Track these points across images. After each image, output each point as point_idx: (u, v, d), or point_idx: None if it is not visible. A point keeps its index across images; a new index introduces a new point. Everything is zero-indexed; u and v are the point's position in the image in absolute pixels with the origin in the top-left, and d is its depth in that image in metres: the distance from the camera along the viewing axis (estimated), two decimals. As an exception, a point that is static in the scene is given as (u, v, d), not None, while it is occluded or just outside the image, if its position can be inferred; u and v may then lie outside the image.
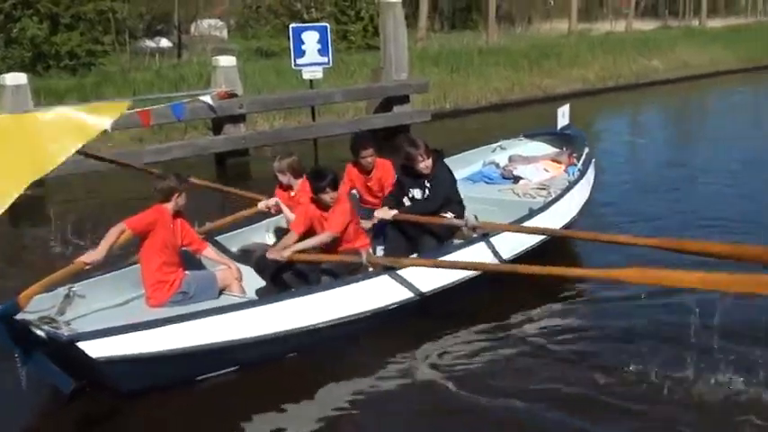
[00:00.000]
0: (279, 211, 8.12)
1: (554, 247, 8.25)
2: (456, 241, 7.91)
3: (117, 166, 10.56)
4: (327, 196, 7.21)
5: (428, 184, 7.90)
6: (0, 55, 25.32)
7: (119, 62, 27.84)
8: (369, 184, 8.56)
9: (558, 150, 10.87)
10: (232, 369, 6.39)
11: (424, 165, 7.83)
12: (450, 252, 7.41)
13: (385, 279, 7.01)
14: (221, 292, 7.13)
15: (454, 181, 8.15)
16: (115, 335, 5.81)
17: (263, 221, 8.57)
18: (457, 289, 7.23)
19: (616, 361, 6.28)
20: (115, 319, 6.30)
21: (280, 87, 18.52)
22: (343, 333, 6.70)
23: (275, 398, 6.04)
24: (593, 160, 10.21)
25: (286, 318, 6.47)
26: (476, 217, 7.88)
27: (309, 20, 26.36)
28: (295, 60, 15.04)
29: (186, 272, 7.01)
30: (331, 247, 7.26)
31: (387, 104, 17.22)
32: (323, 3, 29.41)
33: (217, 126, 14.85)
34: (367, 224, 7.89)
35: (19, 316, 5.74)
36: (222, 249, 7.95)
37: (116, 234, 6.50)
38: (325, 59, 15.22)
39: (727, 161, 14.65)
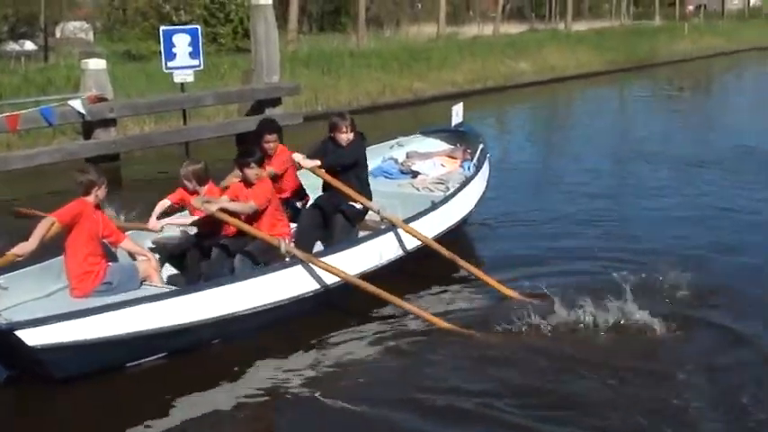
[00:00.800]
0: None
1: (453, 237, 9.16)
2: (368, 232, 8.56)
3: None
4: (252, 172, 7.79)
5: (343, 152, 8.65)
6: None
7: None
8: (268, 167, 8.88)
9: (452, 147, 11.57)
10: (160, 356, 6.78)
11: (346, 137, 8.64)
12: (364, 242, 8.14)
13: (300, 269, 7.49)
14: (141, 282, 7.45)
15: (365, 157, 8.93)
16: (51, 323, 6.14)
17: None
18: (369, 277, 7.80)
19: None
20: (41, 310, 6.57)
21: (150, 91, 18.54)
22: (262, 320, 7.20)
23: (199, 383, 6.47)
24: (489, 156, 11.01)
25: (211, 306, 6.90)
26: (381, 209, 8.53)
27: (178, 22, 26.33)
28: (166, 63, 15.23)
29: (109, 263, 7.35)
30: (251, 222, 7.72)
31: (258, 107, 17.47)
32: (192, 5, 29.40)
33: (87, 131, 14.79)
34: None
35: None
36: None
37: (46, 226, 6.75)
38: (197, 62, 15.46)
39: (589, 160, 15.83)
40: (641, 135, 19.12)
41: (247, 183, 7.90)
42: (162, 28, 15.78)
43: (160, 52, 15.48)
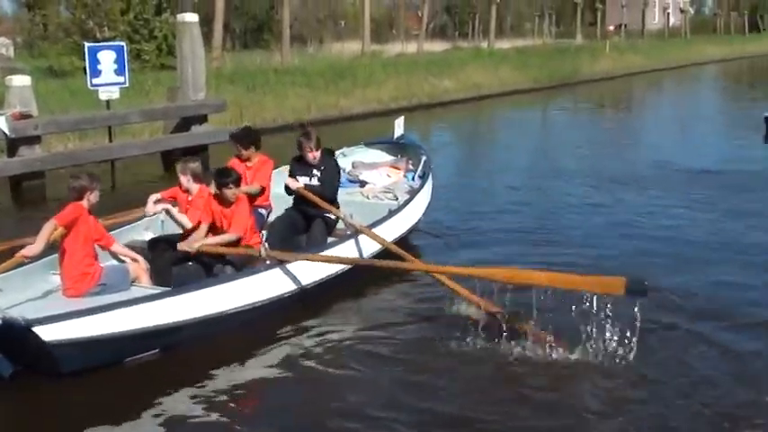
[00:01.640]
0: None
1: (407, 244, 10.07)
2: (335, 239, 9.39)
3: None
4: (230, 192, 8.45)
5: (317, 173, 9.61)
6: None
7: None
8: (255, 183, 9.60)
9: (395, 158, 12.55)
10: (154, 352, 7.39)
11: (312, 155, 9.56)
12: (333, 246, 8.93)
13: (279, 271, 8.32)
14: (131, 283, 8.03)
15: (339, 179, 9.99)
16: (64, 320, 6.76)
17: (142, 221, 9.61)
18: (339, 278, 8.73)
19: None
20: (40, 310, 7.10)
21: (74, 108, 18.57)
22: (247, 318, 7.93)
23: (186, 379, 7.04)
24: (432, 167, 11.87)
25: (206, 304, 7.63)
26: (351, 215, 9.50)
27: (102, 39, 26.31)
28: (91, 80, 15.32)
29: (102, 264, 7.93)
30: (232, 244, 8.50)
31: (184, 124, 17.65)
32: (116, 21, 29.37)
33: (11, 148, 14.79)
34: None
35: None
36: None
37: (50, 229, 7.35)
38: (122, 79, 15.61)
39: (512, 176, 16.43)
40: (562, 151, 19.86)
41: (225, 202, 8.52)
42: (87, 45, 15.89)
43: (84, 69, 15.55)
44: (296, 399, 6.77)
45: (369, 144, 13.14)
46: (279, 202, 9.99)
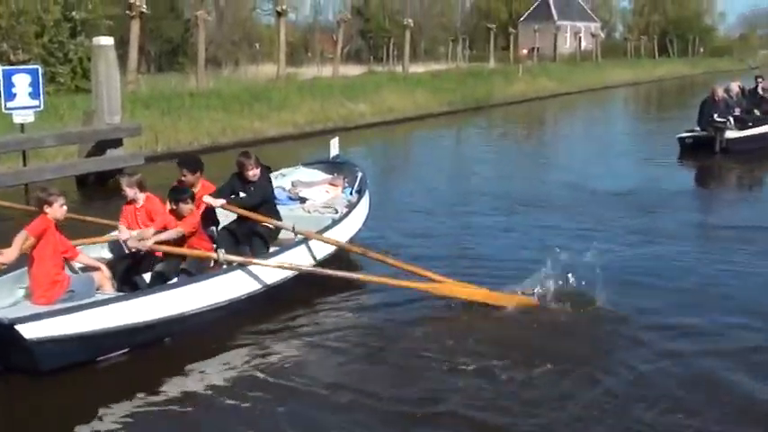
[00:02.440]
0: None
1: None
2: (282, 246, 10.18)
3: None
4: (186, 207, 9.37)
5: (252, 188, 10.31)
6: None
7: None
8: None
9: (331, 176, 13.53)
10: (124, 351, 8.07)
11: (252, 173, 10.25)
12: (282, 252, 9.77)
13: (237, 274, 9.14)
14: (96, 290, 8.59)
15: (272, 190, 10.76)
16: (44, 319, 7.44)
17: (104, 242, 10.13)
18: (292, 281, 9.65)
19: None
20: (14, 314, 7.55)
21: (-15, 131, 18.50)
22: (207, 319, 8.69)
23: (157, 377, 7.71)
24: (368, 182, 12.98)
25: (171, 305, 8.36)
26: (294, 226, 10.26)
27: (16, 61, 26.17)
28: (5, 104, 15.39)
29: (69, 273, 8.56)
30: (181, 245, 9.26)
31: (99, 148, 17.78)
32: (30, 44, 29.21)
33: (-77, 172, 14.80)
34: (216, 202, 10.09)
35: None
36: None
37: (22, 239, 8.02)
38: (37, 103, 15.74)
39: (425, 197, 16.97)
40: (475, 174, 20.50)
41: (178, 215, 9.39)
42: (1, 68, 15.94)
43: (-1, 92, 15.60)
44: (258, 394, 7.40)
45: (306, 164, 14.12)
46: (225, 217, 10.74)
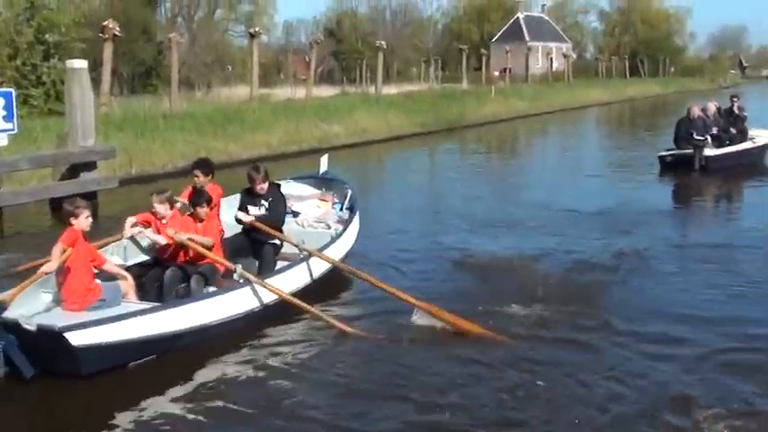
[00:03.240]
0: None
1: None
2: (286, 262, 10.91)
3: None
4: (203, 210, 10.18)
5: (265, 203, 11.10)
6: None
7: None
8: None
9: (320, 191, 14.03)
10: (152, 357, 8.66)
11: (260, 186, 11.05)
12: (288, 270, 10.50)
13: (253, 289, 9.75)
14: (122, 298, 9.14)
15: (286, 208, 11.55)
16: (89, 327, 8.07)
17: (109, 246, 10.54)
18: (303, 293, 10.27)
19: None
20: (51, 321, 8.14)
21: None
22: (228, 329, 9.34)
23: (183, 380, 8.36)
24: (357, 199, 13.54)
25: (197, 316, 9.04)
26: (303, 241, 11.08)
27: (-12, 84, 26.15)
28: (-21, 127, 15.36)
29: (99, 281, 9.06)
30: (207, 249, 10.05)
31: (73, 171, 17.76)
32: (3, 67, 29.16)
33: None
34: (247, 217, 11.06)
35: None
36: None
37: (60, 250, 8.54)
38: (11, 126, 15.67)
39: (398, 218, 17.06)
40: (450, 194, 20.64)
41: (198, 218, 10.19)
42: (-25, 91, 15.92)
43: (-28, 115, 15.55)
44: (270, 399, 7.98)
45: (296, 179, 14.55)
46: (229, 229, 11.36)
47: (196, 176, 11.03)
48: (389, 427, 7.31)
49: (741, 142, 24.70)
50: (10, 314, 8.18)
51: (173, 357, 8.79)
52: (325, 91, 51.07)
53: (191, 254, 10.12)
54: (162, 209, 10.21)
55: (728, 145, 24.20)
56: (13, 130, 15.77)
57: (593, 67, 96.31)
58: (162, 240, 10.16)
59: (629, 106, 68.94)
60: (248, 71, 41.43)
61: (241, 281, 9.79)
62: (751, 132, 25.61)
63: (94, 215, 10.24)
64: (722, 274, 12.32)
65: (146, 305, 9.05)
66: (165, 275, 9.86)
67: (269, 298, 9.87)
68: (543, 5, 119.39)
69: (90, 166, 18.00)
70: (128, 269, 9.99)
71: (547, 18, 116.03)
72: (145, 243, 10.72)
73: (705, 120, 23.92)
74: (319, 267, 10.95)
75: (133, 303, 9.14)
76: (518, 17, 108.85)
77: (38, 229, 15.94)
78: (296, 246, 10.96)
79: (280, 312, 9.96)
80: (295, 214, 13.03)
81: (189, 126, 26.77)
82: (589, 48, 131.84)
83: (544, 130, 46.08)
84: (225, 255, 10.42)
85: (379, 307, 10.48)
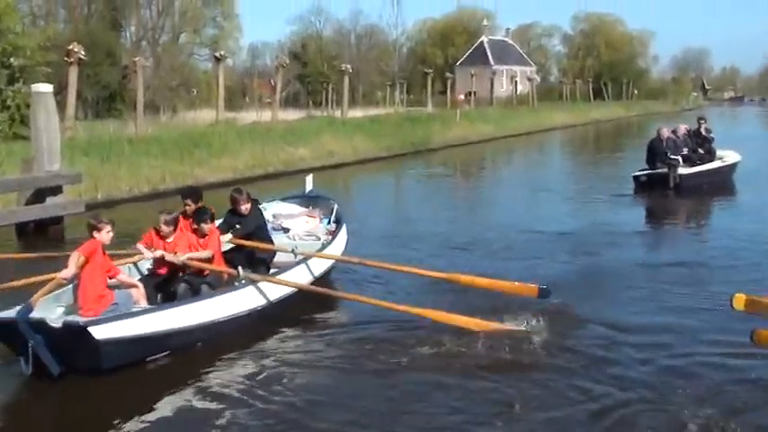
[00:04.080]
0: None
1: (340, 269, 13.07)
2: (280, 268, 11.65)
3: None
4: (206, 226, 10.98)
5: (246, 220, 11.87)
6: None
7: None
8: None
9: (307, 209, 14.93)
10: (165, 354, 9.40)
11: (245, 207, 11.86)
12: (288, 271, 11.33)
13: (256, 289, 10.66)
14: (133, 305, 9.81)
15: (263, 221, 12.41)
16: (110, 322, 8.80)
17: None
18: (294, 297, 11.08)
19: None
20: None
21: None
22: (234, 326, 10.13)
23: (194, 375, 9.00)
24: (342, 212, 14.58)
25: (207, 312, 9.85)
26: (296, 246, 12.41)
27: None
28: (-55, 153, 15.38)
29: (113, 290, 9.76)
30: (208, 262, 10.91)
31: (39, 195, 17.74)
32: (-34, 93, 29.08)
33: None
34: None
35: None
36: None
37: (76, 258, 9.23)
38: (-24, 151, 15.71)
39: (360, 240, 16.96)
40: (415, 218, 20.76)
41: (200, 233, 10.97)
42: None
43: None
44: (276, 390, 8.60)
45: (284, 199, 15.51)
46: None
47: (187, 205, 11.68)
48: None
49: (710, 161, 25.78)
50: (36, 314, 8.70)
51: (185, 355, 9.52)
52: (291, 114, 51.20)
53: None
54: (167, 230, 10.87)
55: (700, 164, 25.22)
56: (-21, 157, 15.77)
57: (558, 90, 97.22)
58: (170, 257, 10.80)
59: (594, 129, 69.70)
60: (213, 95, 41.53)
61: (243, 281, 10.68)
62: (718, 153, 26.73)
63: (60, 239, 10.50)
64: (685, 294, 12.48)
65: (164, 304, 10.09)
66: (177, 288, 10.62)
67: (273, 295, 10.77)
68: (507, 29, 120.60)
69: (56, 190, 17.98)
70: (147, 279, 10.92)
71: (511, 42, 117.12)
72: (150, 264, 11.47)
73: (675, 140, 24.89)
74: (317, 269, 11.97)
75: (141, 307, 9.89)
76: (482, 41, 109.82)
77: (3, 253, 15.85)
78: (291, 252, 12.00)
79: (282, 309, 10.85)
80: (286, 230, 13.84)
81: (154, 150, 26.70)
82: (553, 71, 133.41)
83: (509, 153, 46.46)
84: (226, 263, 11.26)
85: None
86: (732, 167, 27.00)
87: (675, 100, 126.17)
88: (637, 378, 8.92)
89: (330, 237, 13.41)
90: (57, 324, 8.57)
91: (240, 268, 10.82)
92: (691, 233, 19.41)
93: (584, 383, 8.74)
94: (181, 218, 11.66)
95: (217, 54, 37.32)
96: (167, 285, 10.86)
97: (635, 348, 9.86)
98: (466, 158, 41.99)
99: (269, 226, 13.41)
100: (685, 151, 24.93)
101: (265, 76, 76.26)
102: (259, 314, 10.59)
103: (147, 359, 9.28)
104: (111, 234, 9.68)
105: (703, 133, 26.56)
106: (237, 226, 11.84)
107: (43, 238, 17.06)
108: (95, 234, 9.53)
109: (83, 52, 27.12)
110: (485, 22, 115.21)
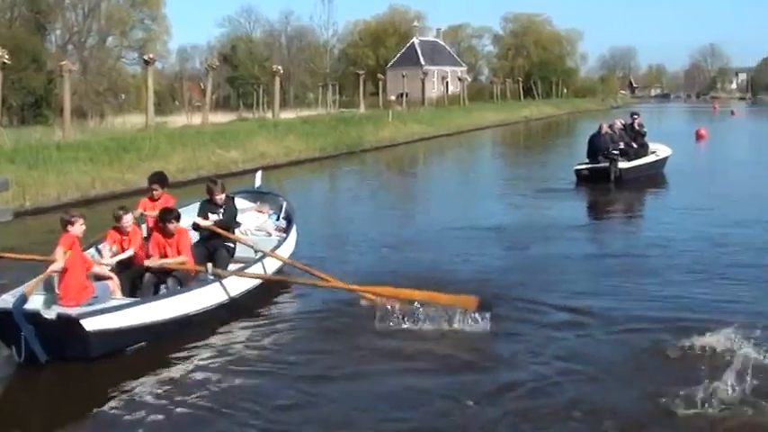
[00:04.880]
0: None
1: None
2: (238, 265, 12.35)
3: None
4: (172, 226, 11.23)
5: (221, 210, 12.63)
6: None
7: None
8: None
9: (256, 204, 15.54)
10: (143, 344, 9.97)
11: (220, 197, 12.62)
12: (252, 266, 12.13)
13: (225, 283, 11.35)
14: (110, 296, 10.39)
15: (236, 212, 13.21)
16: (99, 314, 9.43)
17: (89, 250, 11.48)
18: (257, 290, 11.97)
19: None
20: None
21: None
22: (208, 317, 10.86)
23: (169, 365, 9.61)
24: (293, 209, 15.24)
25: (185, 305, 10.53)
26: (256, 243, 13.09)
27: None
28: None
29: (93, 282, 10.32)
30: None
31: (-35, 204, 17.45)
32: None
33: None
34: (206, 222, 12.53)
35: None
36: None
37: (62, 251, 9.80)
38: None
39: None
40: (350, 218, 20.84)
41: (167, 233, 11.23)
42: None
43: None
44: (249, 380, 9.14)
45: (234, 193, 15.29)
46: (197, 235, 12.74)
47: (154, 189, 12.71)
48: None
49: (644, 155, 27.23)
50: (27, 306, 9.28)
51: (160, 344, 10.04)
52: (222, 117, 50.94)
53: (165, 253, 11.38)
54: (127, 222, 11.37)
55: (634, 158, 26.35)
56: None
57: (489, 90, 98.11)
58: (126, 255, 11.31)
59: (524, 127, 70.48)
60: (142, 99, 41.13)
61: (211, 277, 11.32)
62: (651, 146, 28.35)
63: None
64: (623, 283, 12.89)
65: (147, 297, 10.64)
66: (143, 279, 11.14)
67: (239, 289, 11.54)
68: (438, 30, 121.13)
69: (-18, 198, 17.68)
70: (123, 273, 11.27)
71: (442, 42, 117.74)
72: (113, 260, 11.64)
73: (612, 135, 26.03)
74: (273, 265, 12.68)
75: (120, 299, 10.45)
76: (413, 42, 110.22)
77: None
78: (251, 246, 12.83)
79: (247, 300, 11.66)
80: (237, 224, 14.11)
81: (83, 156, 26.22)
82: (484, 71, 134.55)
83: (442, 152, 46.76)
84: (194, 259, 11.72)
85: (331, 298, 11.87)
86: (664, 161, 28.47)
87: (604, 98, 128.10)
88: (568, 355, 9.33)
89: (280, 234, 14.25)
90: (50, 315, 9.21)
91: (209, 265, 11.47)
92: (628, 225, 20.07)
93: (524, 373, 8.97)
94: (148, 200, 12.73)
95: (146, 57, 36.96)
96: (136, 277, 11.26)
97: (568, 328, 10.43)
98: (399, 158, 42.16)
99: None
100: (622, 145, 25.94)
101: (195, 80, 75.95)
102: (226, 306, 11.28)
103: (128, 348, 9.88)
104: (83, 227, 10.23)
105: (637, 128, 27.81)
106: (216, 216, 12.54)
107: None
108: (69, 228, 10.07)
109: (6, 56, 26.68)
110: (415, 24, 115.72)
